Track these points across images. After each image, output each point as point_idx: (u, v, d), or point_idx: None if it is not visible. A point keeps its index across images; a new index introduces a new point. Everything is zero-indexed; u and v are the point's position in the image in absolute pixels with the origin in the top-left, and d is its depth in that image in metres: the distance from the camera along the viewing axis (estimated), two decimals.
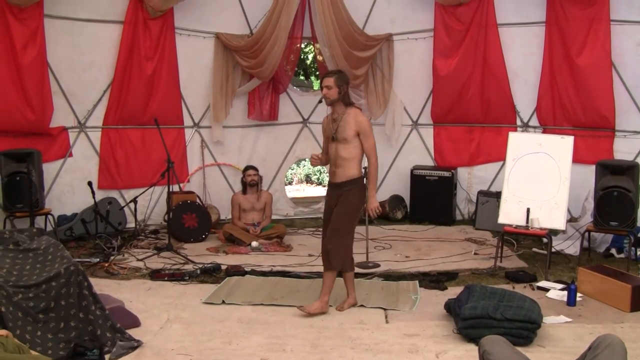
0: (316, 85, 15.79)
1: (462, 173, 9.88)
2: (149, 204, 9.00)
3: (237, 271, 6.94)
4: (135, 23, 8.57)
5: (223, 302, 5.99)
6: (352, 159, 5.71)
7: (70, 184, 8.72)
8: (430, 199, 9.53)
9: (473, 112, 9.55)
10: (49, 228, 8.06)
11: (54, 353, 4.49)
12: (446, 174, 9.56)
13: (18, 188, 7.67)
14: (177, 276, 6.78)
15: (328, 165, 6.04)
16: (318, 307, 5.69)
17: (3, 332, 4.09)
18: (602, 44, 8.37)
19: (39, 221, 8.00)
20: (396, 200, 10.00)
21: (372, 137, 5.76)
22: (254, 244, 8.11)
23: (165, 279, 6.73)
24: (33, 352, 4.09)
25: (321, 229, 9.03)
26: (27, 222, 7.57)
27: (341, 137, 5.68)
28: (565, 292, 5.96)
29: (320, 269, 7.05)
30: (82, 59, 8.51)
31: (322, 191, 13.39)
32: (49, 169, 8.39)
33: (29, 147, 7.91)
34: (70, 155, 8.70)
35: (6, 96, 7.78)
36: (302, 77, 17.08)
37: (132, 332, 5.04)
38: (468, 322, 4.99)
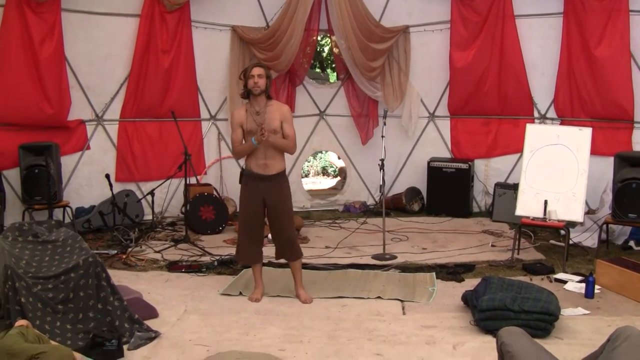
0: (332, 77, 15.76)
1: (479, 165, 9.83)
2: (166, 196, 9.04)
3: None
4: (152, 16, 8.61)
5: (240, 293, 6.02)
6: (281, 150, 5.80)
7: (88, 177, 8.79)
8: (447, 191, 9.50)
9: (490, 103, 9.48)
10: (67, 220, 8.12)
11: (72, 343, 4.54)
12: (463, 166, 9.52)
13: (36, 181, 7.75)
14: (194, 268, 6.83)
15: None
16: (309, 298, 5.87)
17: (23, 322, 4.15)
18: (621, 35, 8.27)
19: (57, 213, 8.06)
20: (413, 192, 9.98)
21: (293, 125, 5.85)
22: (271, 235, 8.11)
23: (183, 270, 6.78)
24: (53, 342, 4.14)
25: (332, 221, 9.12)
26: (46, 215, 7.65)
27: (270, 129, 5.63)
28: (583, 284, 5.93)
29: (338, 260, 7.13)
30: (99, 53, 8.55)
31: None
32: (67, 161, 8.46)
33: (47, 140, 7.99)
34: (88, 148, 8.76)
35: (24, 90, 7.84)
36: (318, 70, 17.08)
37: (150, 323, 5.09)
38: (485, 314, 4.98)
